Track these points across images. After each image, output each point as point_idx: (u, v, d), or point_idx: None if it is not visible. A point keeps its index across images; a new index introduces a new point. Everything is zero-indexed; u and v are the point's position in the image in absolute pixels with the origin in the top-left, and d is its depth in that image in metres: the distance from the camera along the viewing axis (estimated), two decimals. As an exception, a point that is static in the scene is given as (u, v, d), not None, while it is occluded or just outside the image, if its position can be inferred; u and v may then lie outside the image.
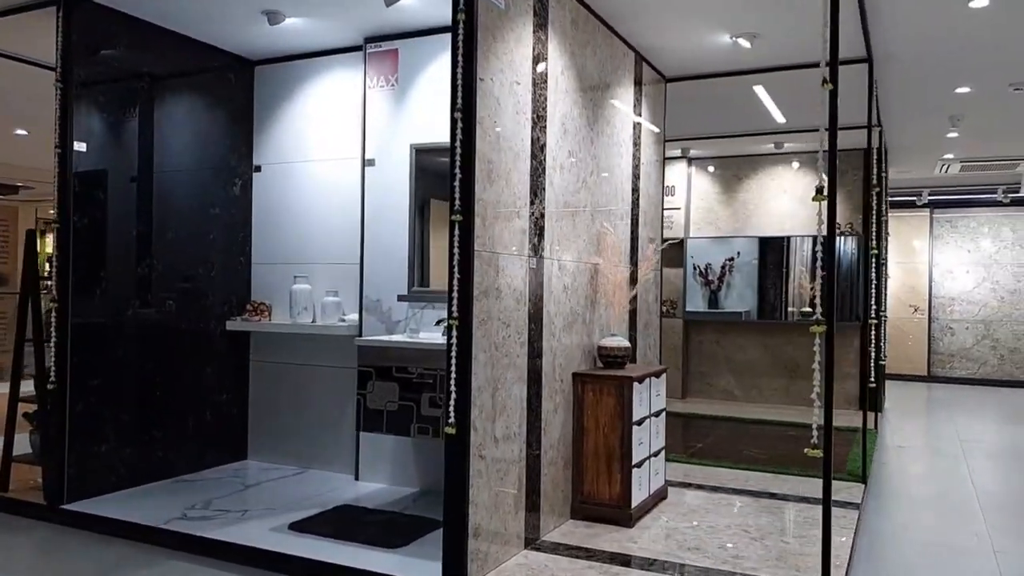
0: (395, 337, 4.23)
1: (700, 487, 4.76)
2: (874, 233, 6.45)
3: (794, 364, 8.41)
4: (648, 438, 4.17)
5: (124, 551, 3.59)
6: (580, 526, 3.87)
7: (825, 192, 2.46)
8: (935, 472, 5.94)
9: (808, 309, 8.66)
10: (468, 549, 2.99)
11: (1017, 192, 10.63)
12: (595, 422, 3.97)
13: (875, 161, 7.29)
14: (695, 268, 8.88)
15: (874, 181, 5.67)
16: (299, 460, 4.92)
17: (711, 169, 8.85)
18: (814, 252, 8.56)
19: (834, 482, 4.89)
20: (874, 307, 5.71)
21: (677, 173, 8.77)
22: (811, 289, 8.75)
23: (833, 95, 2.64)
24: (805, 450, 2.51)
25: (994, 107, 6.14)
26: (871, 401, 7.50)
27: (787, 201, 8.50)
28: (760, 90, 5.72)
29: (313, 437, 4.87)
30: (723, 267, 8.87)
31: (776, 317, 8.64)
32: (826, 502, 2.64)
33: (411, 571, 3.17)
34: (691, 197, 8.90)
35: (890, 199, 11.26)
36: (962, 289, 11.70)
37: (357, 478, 4.63)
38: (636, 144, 4.88)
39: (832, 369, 2.66)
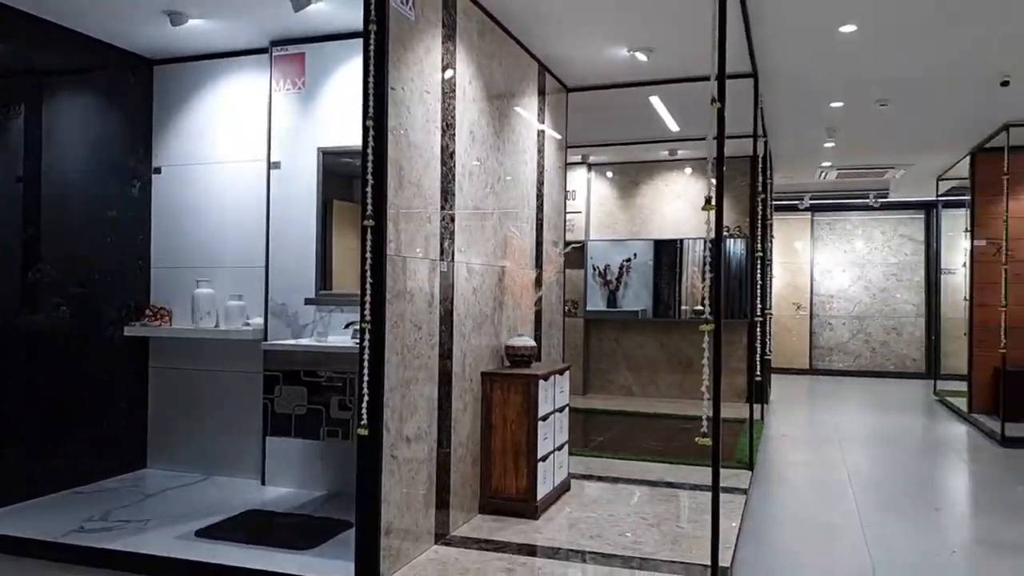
0: (303, 341, 4.25)
1: (601, 479, 4.98)
2: (759, 236, 6.89)
3: (688, 360, 8.84)
4: (553, 433, 4.35)
5: (18, 569, 3.47)
6: (488, 520, 4.01)
7: (713, 202, 2.68)
8: (814, 457, 6.41)
9: (700, 307, 9.08)
10: (380, 547, 3.07)
11: (886, 197, 11.52)
12: (503, 419, 4.11)
13: (761, 168, 7.80)
14: (595, 269, 9.19)
15: (760, 188, 6.05)
16: (202, 467, 4.84)
17: (610, 175, 9.18)
18: (705, 254, 8.99)
19: (724, 470, 5.23)
20: (759, 305, 6.11)
21: (578, 179, 9.05)
22: (703, 289, 9.20)
23: (720, 112, 2.86)
24: (696, 439, 2.71)
25: (864, 120, 6.69)
26: (758, 394, 8.00)
27: (681, 205, 8.93)
28: (656, 100, 6.03)
29: (217, 443, 4.80)
30: (621, 268, 9.23)
31: (670, 315, 9.05)
32: (715, 487, 2.86)
33: (324, 571, 3.22)
34: (591, 201, 9.20)
35: (776, 203, 11.97)
36: (839, 287, 12.57)
37: (264, 483, 4.61)
38: (540, 151, 5.06)
39: (720, 364, 2.89)
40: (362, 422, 3.02)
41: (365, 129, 3.01)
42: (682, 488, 4.79)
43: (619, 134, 7.55)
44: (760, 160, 7.58)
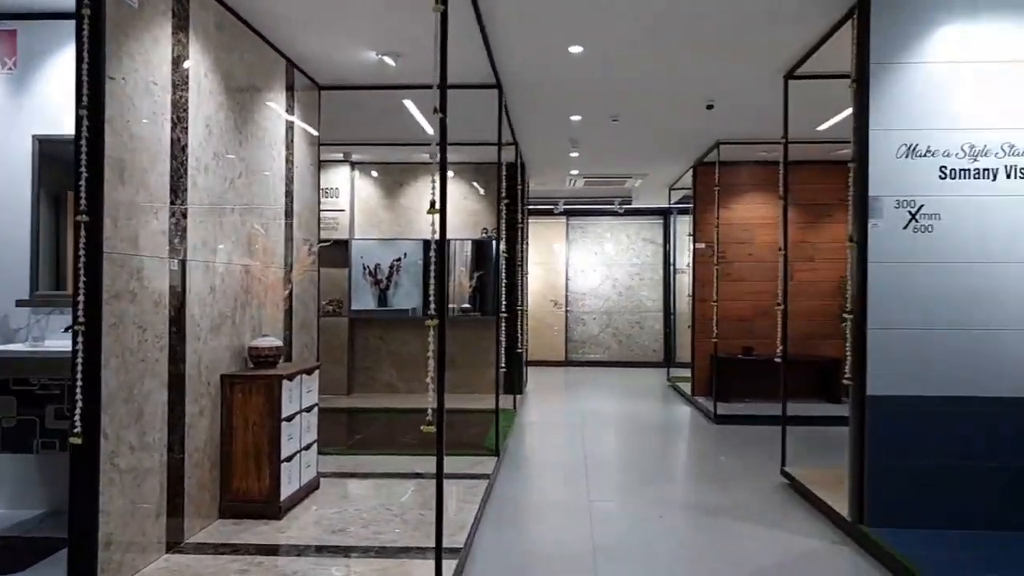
0: (12, 347, 3.87)
1: (354, 475, 5.05)
2: (508, 237, 7.32)
3: (452, 356, 9.14)
4: (299, 433, 4.34)
5: None
6: (228, 524, 3.92)
7: (437, 206, 2.86)
8: (557, 441, 6.95)
9: (468, 305, 9.48)
10: (99, 561, 2.91)
11: (630, 204, 12.69)
12: (244, 421, 4.04)
13: (513, 174, 8.29)
14: (365, 268, 9.21)
15: (503, 193, 6.42)
16: None
17: (375, 174, 9.24)
18: (472, 254, 9.31)
19: (472, 457, 5.56)
20: (505, 302, 6.50)
21: (341, 177, 9.01)
22: (469, 287, 9.59)
23: (443, 122, 3.06)
24: (421, 427, 2.88)
25: (601, 134, 7.36)
26: (508, 384, 8.50)
27: (442, 206, 9.20)
28: (410, 104, 6.20)
29: (-92, 464, 4.22)
30: (391, 267, 9.32)
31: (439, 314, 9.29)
32: (439, 474, 3.07)
33: (33, 593, 2.99)
34: (355, 200, 9.20)
35: (533, 207, 12.73)
36: (591, 286, 13.63)
37: (-32, 505, 4.13)
38: (289, 147, 5.01)
39: (444, 358, 3.09)
40: (76, 430, 2.84)
41: (78, 119, 2.84)
42: (432, 477, 4.98)
43: (381, 134, 7.64)
44: (512, 167, 8.08)
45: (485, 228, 9.17)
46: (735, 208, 8.85)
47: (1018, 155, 3.85)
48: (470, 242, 9.25)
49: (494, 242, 9.17)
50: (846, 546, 3.96)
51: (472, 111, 5.63)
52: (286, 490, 4.13)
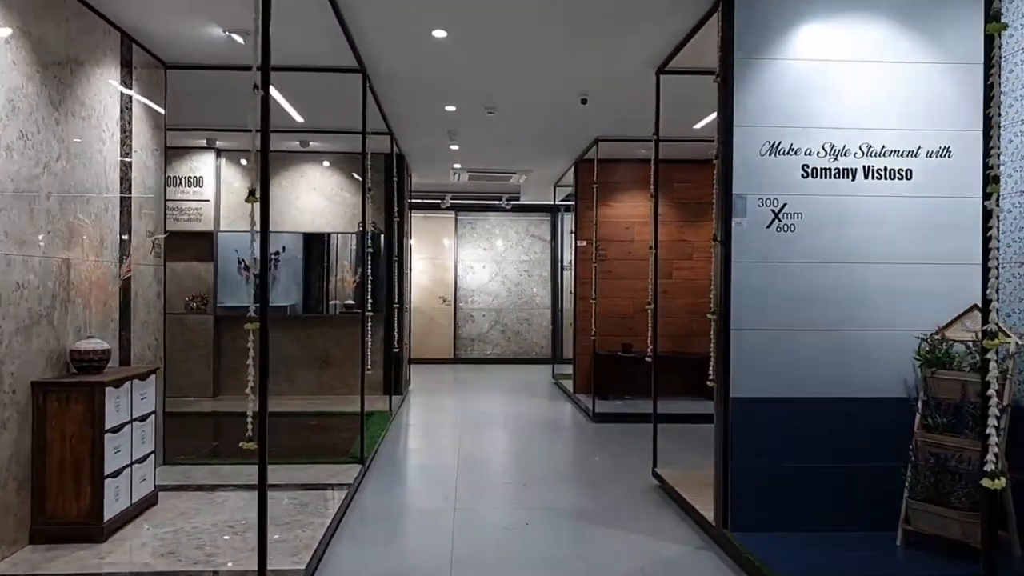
0: None
1: (200, 488, 4.63)
2: (386, 231, 7.00)
3: (327, 355, 8.73)
4: (129, 445, 3.91)
5: None
6: (40, 551, 3.47)
7: (258, 194, 2.55)
8: (432, 444, 6.71)
9: (351, 302, 9.08)
10: None
11: (517, 200, 12.57)
12: (60, 434, 3.59)
13: (393, 164, 7.96)
14: (240, 262, 8.65)
15: (369, 184, 6.10)
16: None
17: (245, 163, 8.69)
18: (354, 248, 8.90)
19: (335, 465, 5.23)
20: (370, 300, 6.17)
21: (206, 164, 8.42)
22: (353, 283, 9.19)
23: (264, 102, 2.76)
24: (240, 444, 2.58)
25: (477, 125, 7.12)
26: (386, 385, 8.19)
27: (317, 198, 8.77)
28: (271, 89, 5.77)
29: None
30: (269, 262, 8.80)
31: (320, 311, 8.86)
32: (261, 488, 2.77)
33: None
34: (221, 190, 8.63)
35: (420, 201, 12.42)
36: (480, 282, 13.44)
37: None
38: (126, 130, 4.54)
39: (267, 362, 2.80)
40: None
41: None
42: (288, 489, 4.63)
43: (245, 120, 7.12)
44: (390, 158, 7.75)
45: (362, 221, 8.79)
46: (615, 206, 8.85)
47: (874, 156, 3.89)
48: (353, 236, 8.85)
49: (382, 236, 8.82)
50: (711, 551, 3.89)
51: (343, 97, 5.29)
52: (112, 509, 3.70)
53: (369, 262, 8.97)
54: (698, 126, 6.82)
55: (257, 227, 2.63)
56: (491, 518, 4.48)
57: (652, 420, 5.29)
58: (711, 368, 4.01)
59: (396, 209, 8.25)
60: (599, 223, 8.34)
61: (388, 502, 4.80)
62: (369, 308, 6.57)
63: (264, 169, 2.75)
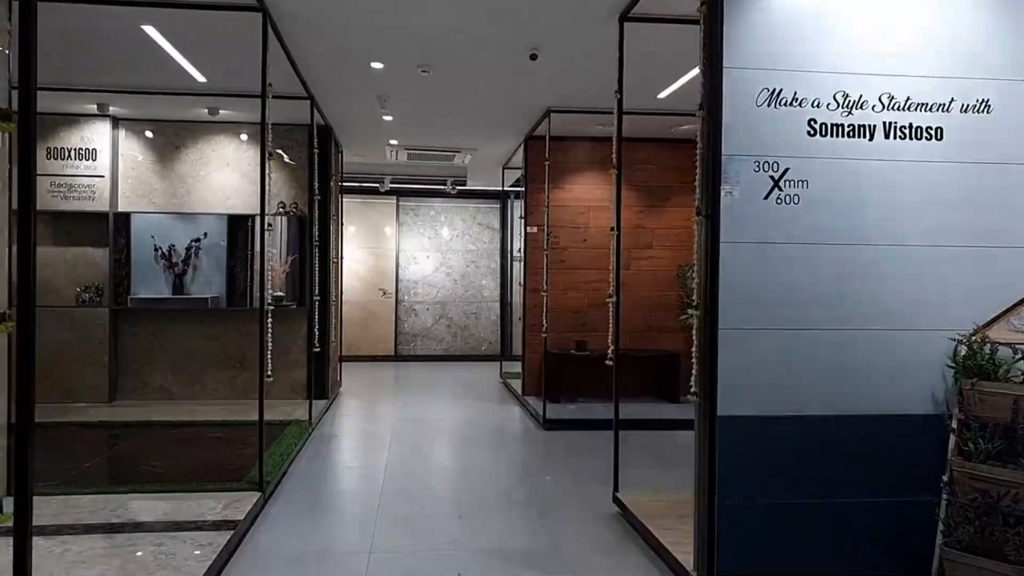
0: None
1: (42, 529, 3.58)
2: (310, 214, 6.00)
3: (242, 355, 7.68)
4: (-86, 486, 2.88)
5: None
6: None
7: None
8: (356, 461, 5.76)
9: (280, 294, 8.03)
10: None
11: (464, 184, 11.63)
12: None
13: (314, 136, 6.93)
14: (157, 249, 7.55)
15: (272, 153, 5.03)
16: None
17: (150, 134, 7.56)
18: (289, 233, 7.87)
19: (228, 494, 4.24)
20: (265, 293, 5.18)
21: (100, 135, 7.28)
22: (283, 272, 8.15)
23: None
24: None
25: (410, 88, 6.14)
26: (309, 388, 7.19)
27: (231, 175, 7.69)
28: (153, 32, 4.74)
29: None
30: (189, 249, 7.73)
31: (246, 304, 7.80)
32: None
33: None
34: (119, 165, 7.49)
35: (357, 184, 11.38)
36: (423, 273, 12.47)
37: None
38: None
39: (33, 372, 1.83)
40: None
41: None
42: (152, 531, 3.64)
43: (139, 79, 6.05)
44: (313, 129, 6.74)
45: (283, 202, 7.76)
46: (569, 189, 7.99)
47: (898, 109, 3.08)
48: (282, 219, 7.80)
49: (288, 220, 7.78)
50: (689, 610, 3.06)
51: (252, 53, 4.28)
52: None
53: (285, 249, 8.05)
54: (663, 94, 5.97)
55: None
56: (413, 564, 3.56)
57: (614, 433, 4.42)
58: (693, 379, 3.15)
59: (317, 187, 7.23)
60: (551, 207, 7.46)
61: (287, 543, 3.83)
62: (292, 301, 5.59)
63: (25, 137, 1.79)
